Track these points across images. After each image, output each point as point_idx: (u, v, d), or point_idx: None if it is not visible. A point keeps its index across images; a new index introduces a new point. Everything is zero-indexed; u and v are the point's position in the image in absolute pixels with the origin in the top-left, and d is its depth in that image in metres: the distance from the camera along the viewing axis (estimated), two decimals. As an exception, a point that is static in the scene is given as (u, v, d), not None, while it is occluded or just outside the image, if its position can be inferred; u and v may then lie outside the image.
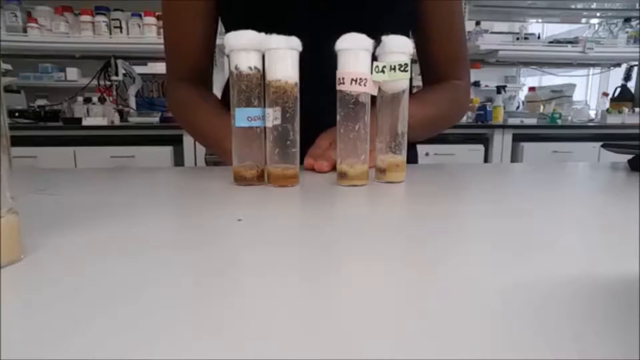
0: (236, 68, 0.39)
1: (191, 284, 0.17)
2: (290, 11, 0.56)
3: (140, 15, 2.25)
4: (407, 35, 0.61)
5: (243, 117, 0.39)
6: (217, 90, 0.70)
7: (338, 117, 0.40)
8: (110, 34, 2.23)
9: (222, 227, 0.26)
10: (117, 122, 2.12)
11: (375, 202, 0.34)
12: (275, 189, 0.39)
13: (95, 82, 2.22)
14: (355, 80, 0.38)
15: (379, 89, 0.40)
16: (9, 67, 2.30)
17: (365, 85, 0.38)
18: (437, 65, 0.64)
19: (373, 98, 0.40)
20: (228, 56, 0.40)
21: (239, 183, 0.40)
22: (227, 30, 0.61)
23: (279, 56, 0.38)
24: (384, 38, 0.39)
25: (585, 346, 0.12)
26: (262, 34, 0.39)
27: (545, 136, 2.21)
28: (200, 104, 0.63)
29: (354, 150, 0.40)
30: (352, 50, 0.38)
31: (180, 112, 0.65)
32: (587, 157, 2.12)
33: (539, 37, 2.64)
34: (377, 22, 0.57)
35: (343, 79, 0.38)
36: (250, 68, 0.39)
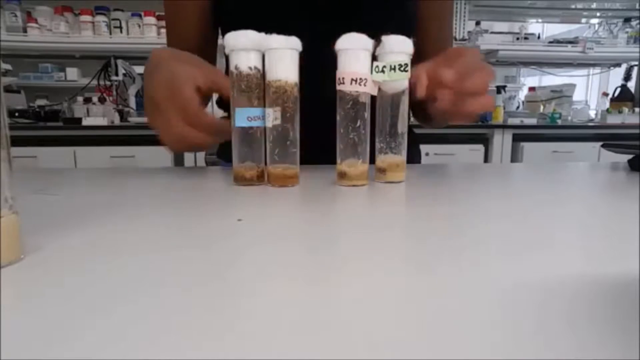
0: (236, 68, 0.39)
1: (191, 284, 0.17)
2: (289, 13, 0.56)
3: (140, 15, 2.25)
4: (408, 37, 0.61)
5: (243, 117, 0.39)
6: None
7: (338, 117, 0.40)
8: (110, 34, 2.23)
9: (222, 227, 0.26)
10: (117, 122, 2.12)
11: (375, 202, 0.34)
12: (275, 189, 0.39)
13: (95, 82, 2.22)
14: (355, 80, 0.38)
15: (379, 89, 0.40)
16: (9, 67, 2.30)
17: (365, 85, 0.38)
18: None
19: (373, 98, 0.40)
20: (228, 56, 0.40)
21: (239, 183, 0.40)
22: (224, 32, 0.61)
23: (279, 56, 0.38)
24: (384, 38, 0.39)
25: (586, 346, 0.12)
26: (262, 34, 0.39)
27: (545, 136, 2.21)
28: None
29: (354, 151, 0.40)
30: (352, 50, 0.38)
31: None
32: (587, 157, 2.12)
33: (539, 37, 2.64)
34: (377, 24, 0.57)
35: (343, 79, 0.38)
36: (250, 68, 0.39)
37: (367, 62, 0.39)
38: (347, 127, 0.39)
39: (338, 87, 0.39)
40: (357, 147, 0.39)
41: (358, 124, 0.39)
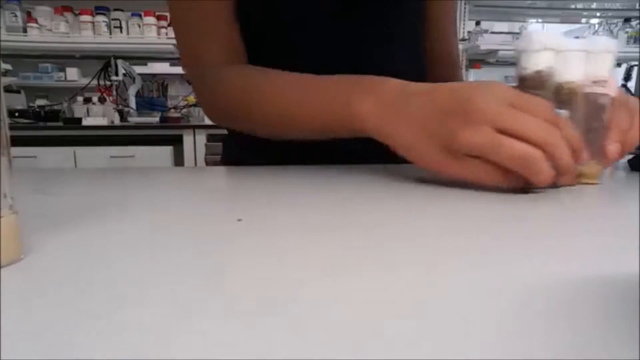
0: (526, 68, 0.38)
1: (191, 284, 0.17)
2: (294, 10, 0.55)
3: (140, 15, 2.25)
4: (417, 33, 0.61)
5: None
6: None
7: (575, 117, 0.39)
8: (110, 34, 2.23)
9: (222, 228, 0.26)
10: (117, 122, 2.13)
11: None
12: (278, 187, 0.39)
13: (95, 82, 2.22)
14: (598, 82, 0.39)
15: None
16: (9, 67, 2.30)
17: (607, 86, 0.39)
18: (431, 64, 0.64)
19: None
20: (518, 56, 0.39)
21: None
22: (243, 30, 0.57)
23: (572, 58, 0.38)
24: (596, 37, 0.40)
25: (585, 346, 0.12)
26: (557, 35, 0.39)
27: (545, 136, 2.20)
28: (273, 72, 0.47)
29: (591, 151, 0.39)
30: (597, 53, 0.39)
31: (243, 94, 0.48)
32: (587, 157, 2.11)
33: (539, 37, 2.63)
34: (386, 20, 0.56)
35: (590, 80, 0.39)
36: (540, 69, 0.38)
37: (608, 64, 0.39)
38: (585, 129, 0.39)
39: (585, 90, 0.39)
40: (593, 147, 0.39)
41: (596, 126, 0.39)
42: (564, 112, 0.38)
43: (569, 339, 0.13)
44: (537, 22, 2.96)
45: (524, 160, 0.32)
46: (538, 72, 0.38)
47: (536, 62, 0.38)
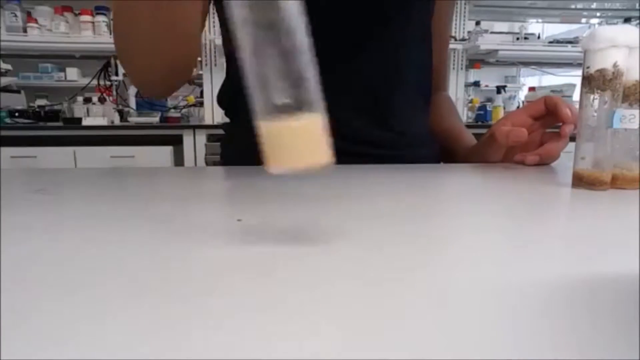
0: (589, 68, 0.36)
1: (191, 284, 0.17)
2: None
3: (140, 16, 2.24)
4: (425, 33, 0.60)
5: (618, 118, 0.36)
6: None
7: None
8: (110, 34, 2.23)
9: (222, 227, 0.26)
10: (117, 122, 2.13)
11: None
12: (277, 187, 0.39)
13: (95, 82, 2.22)
14: None
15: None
16: (9, 67, 2.30)
17: None
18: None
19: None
20: (585, 54, 0.37)
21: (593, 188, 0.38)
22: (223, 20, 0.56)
23: None
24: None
25: (585, 346, 0.12)
26: (628, 31, 0.36)
27: (545, 136, 2.20)
28: None
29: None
30: None
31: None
32: (587, 157, 2.11)
33: (539, 37, 2.64)
34: (391, 19, 0.55)
35: None
36: (603, 67, 0.36)
37: None
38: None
39: None
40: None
41: None
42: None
43: (569, 339, 0.13)
44: (537, 22, 2.96)
45: None
46: (600, 71, 0.36)
47: (600, 61, 0.36)
